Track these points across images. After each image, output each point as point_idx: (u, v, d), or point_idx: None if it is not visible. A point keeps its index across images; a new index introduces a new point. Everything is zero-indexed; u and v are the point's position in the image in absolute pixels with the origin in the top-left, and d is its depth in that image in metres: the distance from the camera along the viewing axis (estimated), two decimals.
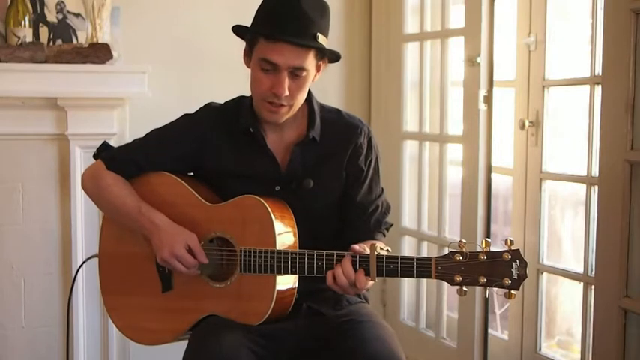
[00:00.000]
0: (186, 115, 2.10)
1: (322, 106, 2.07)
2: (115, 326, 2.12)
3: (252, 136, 2.00)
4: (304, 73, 1.90)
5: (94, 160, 2.11)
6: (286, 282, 1.91)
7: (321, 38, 1.89)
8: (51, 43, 2.91)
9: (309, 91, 2.02)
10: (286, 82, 1.88)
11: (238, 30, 1.96)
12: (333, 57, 1.97)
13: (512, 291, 1.70)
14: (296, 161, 2.00)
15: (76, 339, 2.90)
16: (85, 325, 2.93)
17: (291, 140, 2.01)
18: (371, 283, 1.81)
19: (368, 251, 1.79)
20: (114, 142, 2.79)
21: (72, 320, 2.85)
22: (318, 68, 1.96)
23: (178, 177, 2.03)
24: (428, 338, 3.29)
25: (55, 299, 2.95)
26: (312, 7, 1.87)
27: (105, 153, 2.10)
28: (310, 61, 1.89)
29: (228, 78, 2.74)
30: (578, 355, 2.85)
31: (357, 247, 1.81)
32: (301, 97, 1.95)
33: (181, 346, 1.96)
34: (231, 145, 2.02)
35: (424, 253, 3.29)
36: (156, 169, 2.04)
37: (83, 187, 2.12)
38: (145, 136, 2.10)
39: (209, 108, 2.09)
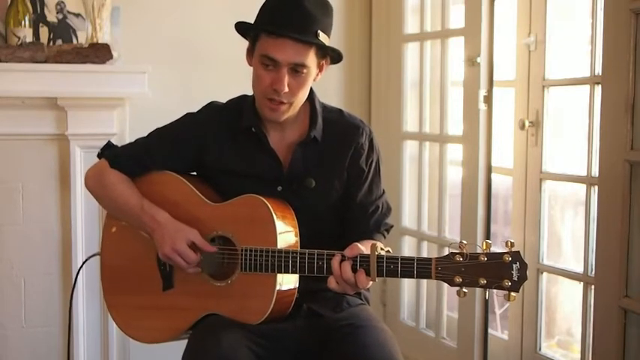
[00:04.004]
0: (188, 114, 2.10)
1: (324, 106, 2.07)
2: (115, 325, 2.12)
3: (255, 136, 2.00)
4: (305, 71, 1.90)
5: (96, 160, 2.12)
6: (287, 282, 1.91)
7: (322, 36, 1.89)
8: (51, 43, 2.92)
9: (312, 90, 2.02)
10: (286, 78, 1.88)
11: (241, 27, 1.97)
12: (335, 55, 1.97)
13: (512, 293, 1.70)
14: (298, 161, 2.00)
15: (76, 339, 2.90)
16: (85, 325, 2.93)
17: (293, 140, 2.02)
18: (371, 282, 1.80)
19: (363, 250, 1.79)
20: (114, 142, 2.79)
21: (72, 320, 2.84)
22: (320, 67, 1.96)
23: (181, 176, 2.04)
24: (428, 338, 3.29)
25: (55, 299, 2.95)
26: (314, 5, 1.88)
27: (108, 151, 2.11)
28: (311, 58, 1.90)
29: (228, 78, 2.74)
30: (578, 355, 2.85)
31: (347, 250, 1.80)
32: (302, 96, 1.95)
33: (181, 345, 1.96)
34: (233, 144, 2.02)
35: (424, 254, 3.30)
36: (159, 168, 2.05)
37: (86, 185, 2.13)
38: (149, 134, 2.11)
39: (212, 107, 2.10)
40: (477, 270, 1.71)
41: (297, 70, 1.89)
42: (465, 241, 1.73)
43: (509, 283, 1.69)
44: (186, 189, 2.01)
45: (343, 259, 1.79)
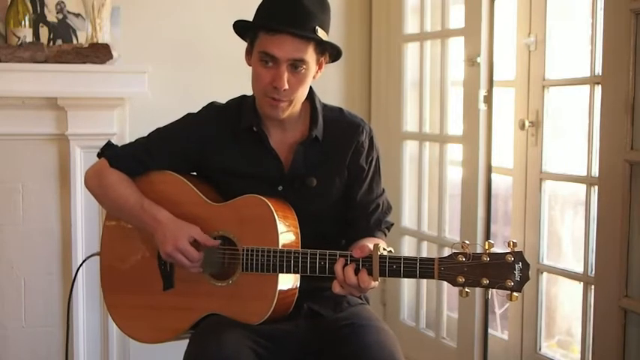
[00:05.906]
0: (189, 115, 2.10)
1: (324, 105, 2.07)
2: (115, 325, 2.12)
3: (256, 135, 2.00)
4: (304, 67, 1.90)
5: (96, 159, 2.11)
6: (288, 282, 1.91)
7: (320, 32, 1.89)
8: (51, 43, 2.92)
9: (312, 90, 2.02)
10: (286, 75, 1.88)
11: (239, 27, 1.97)
12: (334, 52, 1.97)
13: (515, 293, 1.70)
14: (299, 160, 2.00)
15: (76, 339, 2.90)
16: (85, 325, 2.93)
17: (295, 139, 2.02)
18: (374, 284, 1.80)
19: (372, 248, 1.78)
20: (114, 142, 2.79)
21: (72, 320, 2.85)
22: (319, 65, 1.96)
23: (182, 176, 2.04)
24: (428, 338, 3.29)
25: (55, 299, 2.95)
26: (311, 2, 1.89)
27: (108, 151, 2.10)
28: (310, 54, 1.90)
29: (228, 78, 2.74)
30: (578, 355, 2.85)
31: (357, 251, 1.80)
32: (302, 93, 1.95)
33: (182, 345, 1.96)
34: (234, 144, 2.02)
35: (424, 253, 3.30)
36: (159, 167, 2.04)
37: (86, 184, 2.12)
38: (149, 134, 2.11)
39: (212, 107, 2.10)
40: (480, 270, 1.71)
41: (296, 66, 1.89)
42: (467, 241, 1.73)
43: (512, 284, 1.70)
44: (186, 189, 2.01)
45: (346, 263, 1.79)
